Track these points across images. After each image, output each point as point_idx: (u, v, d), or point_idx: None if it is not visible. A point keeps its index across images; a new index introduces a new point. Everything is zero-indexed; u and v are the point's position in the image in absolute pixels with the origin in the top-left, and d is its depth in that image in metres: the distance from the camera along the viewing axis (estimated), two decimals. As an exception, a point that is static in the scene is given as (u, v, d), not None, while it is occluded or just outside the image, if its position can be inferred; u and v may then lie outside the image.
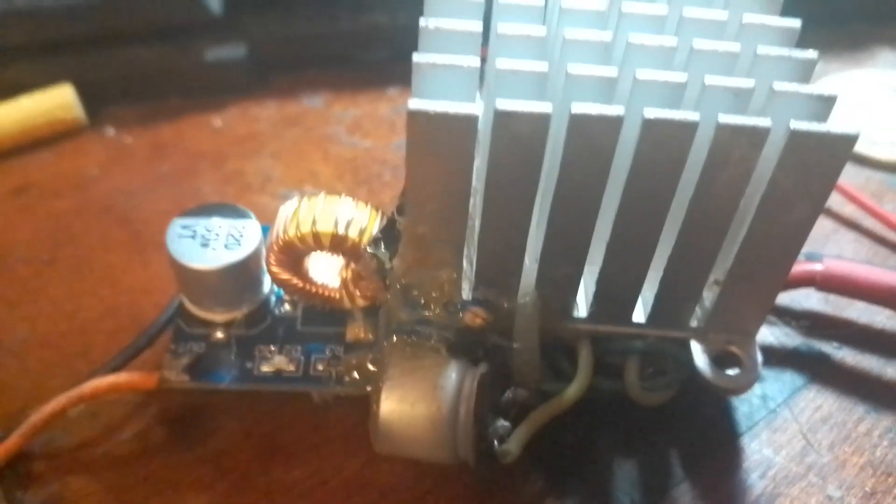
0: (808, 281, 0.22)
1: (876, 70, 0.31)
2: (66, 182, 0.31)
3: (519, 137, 0.16)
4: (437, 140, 0.16)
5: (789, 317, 0.23)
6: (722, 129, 0.16)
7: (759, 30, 0.18)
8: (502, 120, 0.16)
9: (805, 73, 0.18)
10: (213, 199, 0.29)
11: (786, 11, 0.20)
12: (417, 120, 0.16)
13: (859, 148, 0.28)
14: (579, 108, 0.16)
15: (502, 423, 0.18)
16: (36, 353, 0.25)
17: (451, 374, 0.18)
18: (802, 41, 0.19)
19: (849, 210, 0.26)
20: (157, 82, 0.33)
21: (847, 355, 0.22)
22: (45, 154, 0.32)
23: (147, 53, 0.33)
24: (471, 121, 0.16)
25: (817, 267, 0.22)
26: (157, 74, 0.33)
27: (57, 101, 0.33)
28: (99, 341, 0.25)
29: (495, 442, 0.18)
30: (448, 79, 0.17)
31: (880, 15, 0.32)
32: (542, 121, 0.16)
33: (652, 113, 0.16)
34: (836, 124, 0.16)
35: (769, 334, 0.23)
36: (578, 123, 0.16)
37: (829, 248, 0.25)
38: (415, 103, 0.16)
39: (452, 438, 0.18)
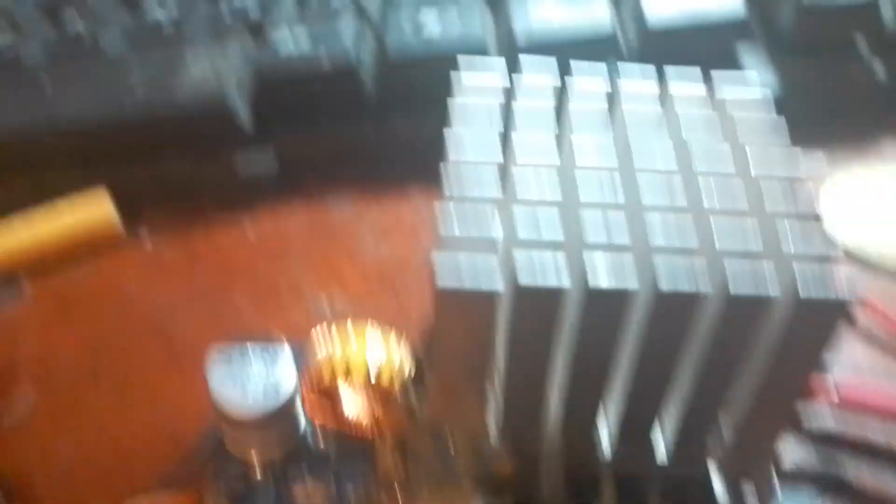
0: (823, 401, 0.22)
1: (883, 167, 0.31)
2: (105, 294, 0.32)
3: (538, 308, 0.17)
4: (463, 311, 0.17)
5: (807, 439, 0.23)
6: (732, 300, 0.17)
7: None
8: (522, 294, 0.17)
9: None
10: (246, 311, 0.31)
11: (787, 109, 0.21)
12: (445, 296, 0.17)
13: (868, 249, 0.28)
14: (595, 282, 0.17)
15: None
16: (82, 475, 0.26)
17: (483, 518, 0.19)
18: (806, 139, 0.20)
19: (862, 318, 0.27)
20: (191, 190, 0.35)
21: (867, 478, 0.23)
22: (83, 263, 0.34)
23: (180, 165, 0.35)
24: (494, 297, 0.17)
25: (833, 387, 0.22)
26: (190, 183, 0.35)
27: (94, 208, 0.34)
28: (141, 466, 0.26)
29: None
30: (470, 250, 0.18)
31: (885, 109, 0.33)
32: (561, 295, 0.17)
33: (667, 285, 0.17)
34: (841, 290, 0.17)
35: (787, 457, 0.23)
36: (595, 297, 0.17)
37: (843, 361, 0.26)
38: (442, 282, 0.17)
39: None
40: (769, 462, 0.21)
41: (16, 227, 0.34)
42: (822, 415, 0.23)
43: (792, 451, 0.23)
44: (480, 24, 0.33)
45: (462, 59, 0.22)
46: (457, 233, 0.18)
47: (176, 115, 0.34)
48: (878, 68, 0.32)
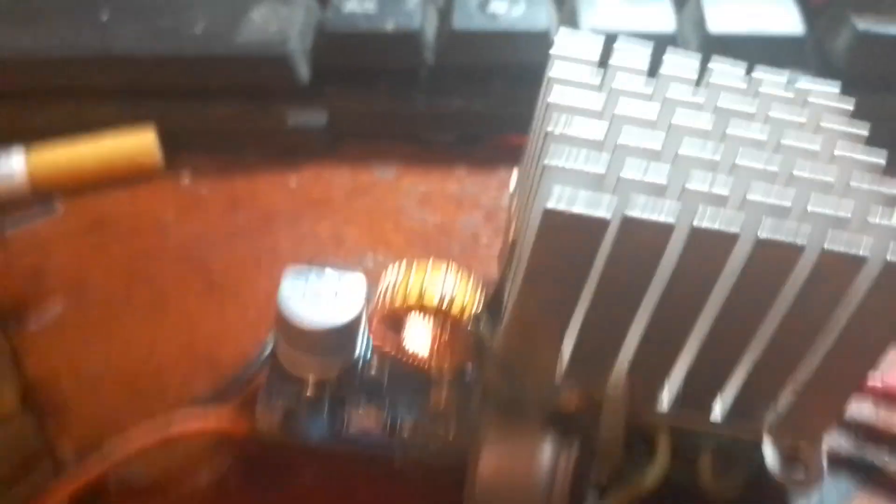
0: (870, 390, 0.23)
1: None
2: (141, 224, 0.32)
3: (641, 242, 0.18)
4: (566, 238, 0.18)
5: (844, 422, 0.24)
6: (825, 255, 0.18)
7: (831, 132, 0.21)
8: (628, 226, 0.18)
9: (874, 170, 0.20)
10: (288, 256, 0.31)
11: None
12: (552, 218, 0.18)
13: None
14: (700, 222, 0.18)
15: (592, 501, 0.20)
16: (109, 388, 0.26)
17: (549, 447, 0.19)
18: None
19: None
20: (237, 137, 0.35)
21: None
22: (120, 194, 0.33)
23: (230, 109, 0.35)
24: (602, 224, 0.18)
25: (876, 382, 0.23)
26: (238, 130, 0.35)
27: (139, 142, 0.34)
28: (174, 383, 0.26)
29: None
30: (577, 181, 0.18)
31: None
32: (666, 230, 0.18)
33: (765, 233, 0.18)
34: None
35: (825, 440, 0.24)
36: (698, 237, 0.18)
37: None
38: (552, 202, 0.17)
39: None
40: (822, 436, 0.21)
41: (57, 148, 0.33)
42: (861, 405, 0.24)
43: (830, 439, 0.24)
44: (546, 7, 0.34)
45: (562, 30, 0.23)
46: (564, 164, 0.18)
47: (233, 59, 0.34)
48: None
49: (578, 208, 0.18)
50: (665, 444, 0.21)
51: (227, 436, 0.23)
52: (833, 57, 0.33)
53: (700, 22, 0.33)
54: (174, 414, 0.23)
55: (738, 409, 0.21)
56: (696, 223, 0.18)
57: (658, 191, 0.18)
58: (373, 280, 0.29)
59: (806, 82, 0.23)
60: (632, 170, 0.18)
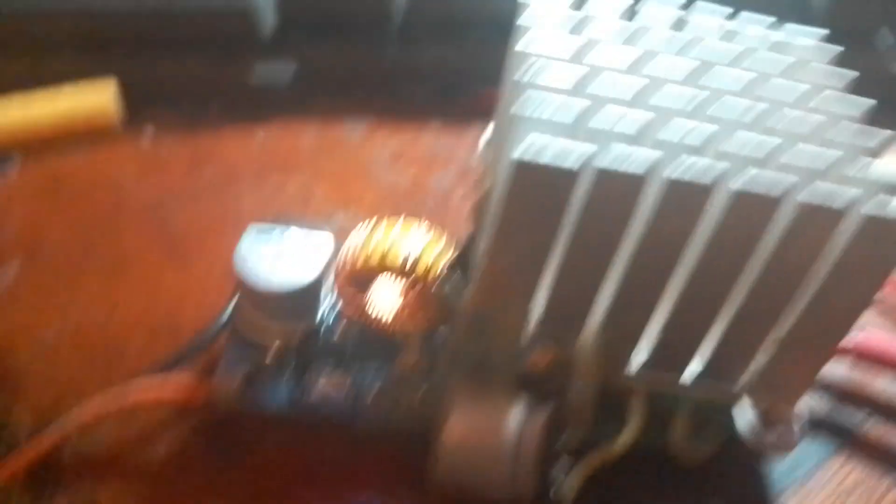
0: (845, 352, 0.23)
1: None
2: (100, 180, 0.31)
3: (614, 194, 0.17)
4: (537, 190, 0.17)
5: (819, 386, 0.24)
6: (802, 208, 0.17)
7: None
8: (598, 178, 0.17)
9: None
10: (253, 214, 0.29)
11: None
12: (521, 170, 0.17)
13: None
14: (673, 173, 0.17)
15: (562, 465, 0.19)
16: (70, 349, 0.25)
17: (517, 410, 0.19)
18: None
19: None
20: (201, 91, 0.33)
21: (875, 426, 0.23)
22: (79, 152, 0.32)
23: (194, 62, 0.33)
24: (572, 175, 0.17)
25: (852, 342, 0.23)
26: (202, 84, 0.33)
27: (98, 95, 0.32)
28: (135, 344, 0.25)
29: (554, 483, 0.19)
30: (547, 131, 0.17)
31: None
32: (639, 182, 0.17)
33: (739, 184, 0.17)
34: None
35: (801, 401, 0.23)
36: (671, 190, 0.17)
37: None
38: (521, 153, 0.17)
39: (513, 474, 0.18)
40: (797, 399, 0.21)
41: (12, 103, 0.32)
42: (837, 366, 0.24)
43: (807, 400, 0.23)
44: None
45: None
46: (533, 114, 0.17)
47: (196, 10, 0.32)
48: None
49: (547, 159, 0.17)
50: (639, 407, 0.20)
51: (186, 405, 0.22)
52: (813, 9, 0.32)
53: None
54: (130, 384, 0.22)
55: (712, 371, 0.20)
56: (668, 175, 0.17)
57: (631, 140, 0.17)
58: (342, 238, 0.29)
59: (790, 28, 0.22)
60: (605, 119, 0.18)
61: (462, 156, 0.32)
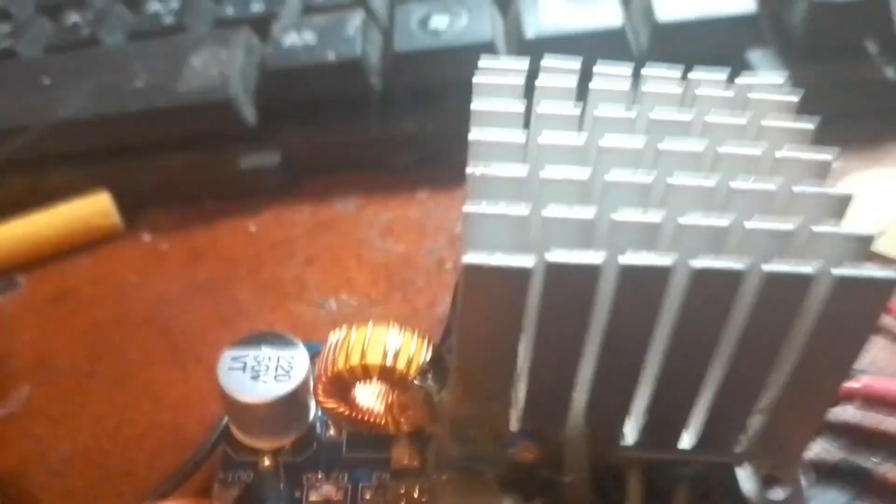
0: (848, 398, 0.22)
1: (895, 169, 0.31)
2: (104, 289, 0.32)
3: (570, 286, 0.17)
4: (491, 289, 0.17)
5: (828, 432, 0.23)
6: (769, 277, 0.17)
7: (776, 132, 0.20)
8: (553, 271, 0.17)
9: (822, 172, 0.19)
10: (250, 308, 0.30)
11: (800, 110, 0.21)
12: (472, 273, 0.17)
13: (884, 250, 0.28)
14: (629, 259, 0.16)
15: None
16: (80, 472, 0.25)
17: (506, 510, 0.18)
18: (819, 142, 0.20)
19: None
20: (193, 188, 0.34)
21: (889, 471, 0.22)
22: (82, 260, 0.33)
23: (182, 161, 0.34)
24: (524, 273, 0.17)
25: (856, 384, 0.22)
26: (193, 181, 0.34)
27: (94, 207, 0.33)
28: (142, 459, 0.26)
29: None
30: (498, 226, 0.17)
31: (893, 107, 0.33)
32: (593, 272, 0.17)
33: (700, 263, 0.16)
34: (878, 269, 0.17)
35: (810, 450, 0.23)
36: (628, 274, 0.17)
37: (862, 357, 0.25)
38: (471, 257, 0.16)
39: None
40: (798, 457, 0.20)
41: (13, 226, 0.33)
42: (843, 408, 0.23)
43: (814, 444, 0.23)
44: (489, 17, 0.33)
45: (483, 59, 0.22)
46: (484, 210, 0.17)
47: (178, 109, 0.33)
48: (889, 70, 0.32)
49: (498, 260, 0.17)
50: (636, 480, 0.20)
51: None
52: (790, 30, 0.32)
53: (648, 12, 0.32)
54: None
55: (707, 437, 0.20)
56: (623, 261, 0.16)
57: (586, 227, 0.17)
58: (335, 324, 0.29)
59: (747, 77, 0.22)
60: (556, 209, 0.17)
61: (451, 221, 0.32)
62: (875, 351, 0.26)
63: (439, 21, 0.33)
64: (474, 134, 0.19)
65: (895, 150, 0.32)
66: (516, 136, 0.19)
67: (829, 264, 0.17)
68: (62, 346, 0.29)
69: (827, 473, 0.22)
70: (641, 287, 0.17)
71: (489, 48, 0.32)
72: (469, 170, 0.19)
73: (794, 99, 0.21)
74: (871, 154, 0.32)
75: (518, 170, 0.18)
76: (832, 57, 0.32)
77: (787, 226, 0.17)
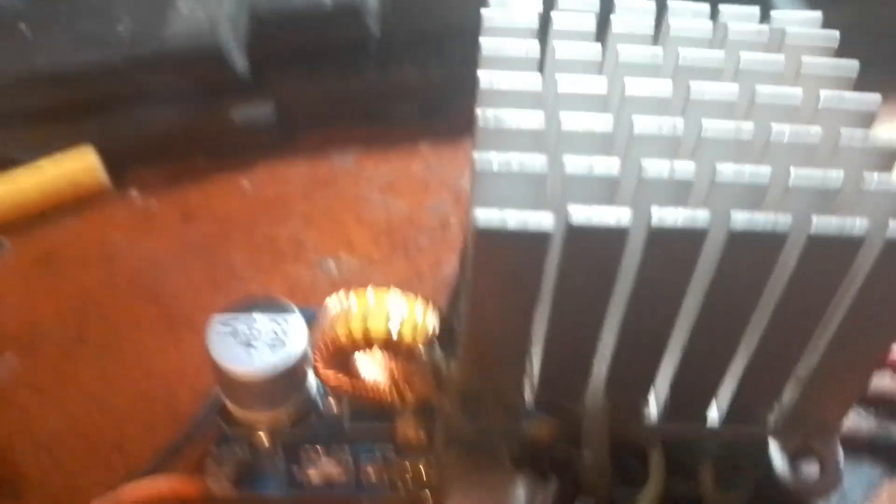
0: (887, 366, 0.21)
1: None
2: (91, 251, 0.30)
3: (593, 249, 0.15)
4: (506, 254, 0.15)
5: (863, 401, 0.22)
6: (813, 240, 0.15)
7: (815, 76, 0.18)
8: (576, 233, 0.15)
9: (866, 121, 0.17)
10: (244, 271, 0.28)
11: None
12: (485, 236, 0.15)
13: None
14: (660, 219, 0.15)
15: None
16: (68, 446, 0.24)
17: (519, 492, 0.17)
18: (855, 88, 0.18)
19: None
20: (183, 143, 0.32)
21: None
22: (68, 220, 0.31)
23: (171, 114, 0.32)
24: (543, 237, 0.15)
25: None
26: (182, 135, 0.32)
27: (79, 164, 0.32)
28: (133, 432, 0.24)
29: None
30: (513, 182, 0.16)
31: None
32: (619, 234, 0.15)
33: (740, 221, 0.15)
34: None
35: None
36: (659, 236, 0.15)
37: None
38: (483, 219, 0.15)
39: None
40: (836, 429, 0.19)
41: (-3, 183, 0.31)
42: (881, 379, 0.21)
43: (851, 419, 0.21)
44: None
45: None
46: (496, 164, 0.16)
47: (163, 57, 0.31)
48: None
49: (513, 224, 0.15)
50: (658, 459, 0.18)
51: (182, 498, 0.21)
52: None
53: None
54: (126, 487, 0.21)
55: (736, 412, 0.18)
56: (654, 223, 0.15)
57: (610, 184, 0.16)
58: (335, 287, 0.27)
59: (781, 16, 0.20)
60: (576, 162, 0.16)
61: (455, 177, 0.30)
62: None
63: (441, -38, 0.31)
64: (484, 78, 0.17)
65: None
66: (532, 80, 0.17)
67: (880, 224, 0.15)
68: (49, 312, 0.28)
69: (860, 446, 0.21)
70: (673, 249, 0.15)
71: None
72: (478, 118, 0.17)
73: (835, 35, 0.19)
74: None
75: (534, 119, 0.17)
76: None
77: (833, 181, 0.16)
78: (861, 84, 0.18)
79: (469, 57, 0.31)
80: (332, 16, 0.31)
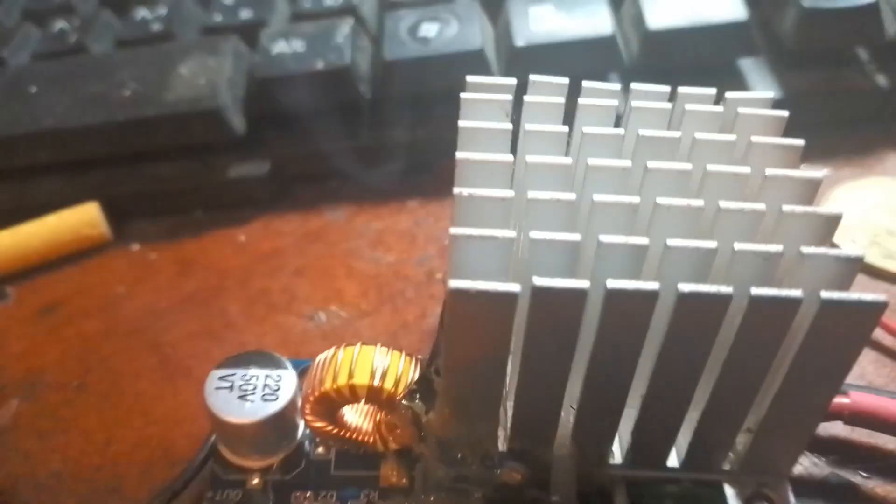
0: (836, 415, 0.22)
1: (886, 178, 0.31)
2: (93, 301, 0.31)
3: (556, 311, 0.17)
4: (477, 315, 0.17)
5: (816, 447, 0.23)
6: (755, 302, 0.16)
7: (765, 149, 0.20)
8: (540, 296, 0.17)
9: (811, 192, 0.19)
10: (239, 321, 0.30)
11: (788, 119, 0.21)
12: (458, 298, 0.16)
13: (873, 261, 0.28)
14: (615, 284, 0.16)
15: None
16: (69, 488, 0.25)
17: (494, 532, 0.18)
18: (810, 149, 0.20)
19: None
20: (181, 198, 0.34)
21: (877, 485, 0.22)
22: (71, 270, 0.33)
23: (171, 170, 0.34)
24: (511, 298, 0.16)
25: (845, 401, 0.22)
26: (181, 190, 0.34)
27: (82, 217, 0.33)
28: (132, 475, 0.25)
29: None
30: (484, 250, 0.17)
31: (887, 118, 0.33)
32: (579, 296, 0.16)
33: (687, 287, 0.16)
34: (865, 293, 0.17)
35: (797, 465, 0.23)
36: (614, 298, 0.16)
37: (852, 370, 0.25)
38: (455, 283, 0.16)
39: None
40: (787, 474, 0.20)
41: (1, 236, 0.33)
42: (832, 423, 0.23)
43: (802, 459, 0.23)
44: (479, 25, 0.33)
45: (470, 78, 0.22)
46: (471, 233, 0.17)
47: (166, 118, 0.33)
48: (880, 77, 0.32)
49: (484, 285, 0.16)
50: (622, 499, 0.20)
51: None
52: (781, 37, 0.32)
53: (639, 19, 0.31)
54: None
55: (693, 458, 0.20)
56: (609, 286, 0.16)
57: (573, 250, 0.17)
58: (325, 338, 0.29)
59: (736, 93, 0.22)
60: (542, 232, 0.17)
61: (441, 231, 0.32)
62: (865, 363, 0.26)
63: (429, 29, 0.33)
64: (461, 154, 0.19)
65: (887, 159, 0.32)
66: (503, 156, 0.19)
67: (817, 288, 0.17)
68: (51, 359, 0.29)
69: (814, 489, 0.22)
70: (628, 311, 0.17)
71: (479, 56, 0.32)
72: (456, 191, 0.18)
73: (784, 115, 0.21)
74: (862, 162, 0.32)
75: (505, 191, 0.18)
76: (824, 64, 0.32)
77: (775, 248, 0.17)
78: (824, 143, 0.19)
79: (455, 118, 0.33)
80: (324, 79, 0.33)
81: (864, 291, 0.16)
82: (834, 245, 0.18)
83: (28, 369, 0.29)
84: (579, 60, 0.32)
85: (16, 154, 0.34)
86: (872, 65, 0.32)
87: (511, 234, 0.17)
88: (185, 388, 0.28)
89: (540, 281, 0.16)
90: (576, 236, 0.17)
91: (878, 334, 0.26)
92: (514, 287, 0.16)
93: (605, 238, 0.17)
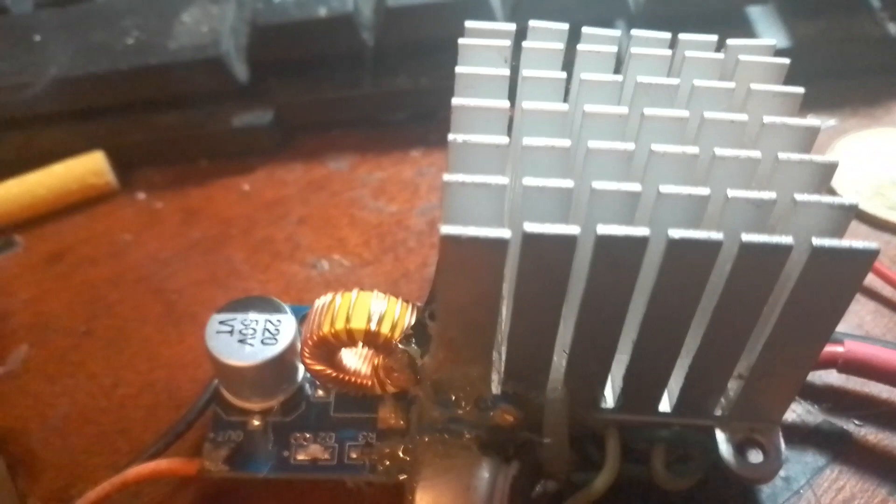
0: (830, 364, 0.22)
1: (893, 129, 0.31)
2: (100, 248, 0.32)
3: (546, 257, 0.17)
4: (469, 260, 0.17)
5: (810, 394, 0.23)
6: (745, 248, 0.17)
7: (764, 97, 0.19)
8: (530, 241, 0.17)
9: (809, 141, 0.19)
10: (243, 269, 0.30)
11: (796, 67, 0.21)
12: (449, 243, 0.17)
13: (876, 212, 0.28)
14: (605, 229, 0.16)
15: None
16: (78, 430, 0.26)
17: (484, 474, 0.19)
18: (817, 98, 0.19)
19: (868, 278, 0.26)
20: (186, 147, 0.34)
21: (869, 433, 0.23)
22: (78, 219, 0.33)
23: (175, 119, 0.34)
24: (501, 244, 0.17)
25: (839, 349, 0.22)
26: (186, 139, 0.34)
27: (89, 166, 0.33)
28: (138, 417, 0.26)
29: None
30: (477, 196, 0.17)
31: (893, 63, 0.32)
32: (570, 242, 0.17)
33: (677, 233, 0.16)
34: (856, 240, 0.17)
35: (790, 412, 0.23)
36: (604, 244, 0.17)
37: (849, 319, 0.25)
38: (447, 228, 0.16)
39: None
40: (778, 420, 0.20)
41: (9, 185, 0.33)
42: (827, 371, 0.23)
43: (795, 406, 0.23)
44: (484, -27, 0.32)
45: (468, 24, 0.21)
46: (463, 180, 0.17)
47: (169, 66, 0.33)
48: (891, 26, 0.31)
49: (475, 231, 0.17)
50: (614, 443, 0.20)
51: (181, 476, 0.23)
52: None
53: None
54: (127, 471, 0.22)
55: (685, 404, 0.20)
56: (600, 231, 0.16)
57: (565, 196, 0.17)
58: (328, 286, 0.29)
59: (738, 40, 0.21)
60: (535, 178, 0.17)
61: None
62: (864, 314, 0.26)
63: (433, -25, 0.32)
64: (457, 100, 0.19)
65: (894, 110, 0.32)
66: (499, 102, 0.19)
67: (809, 235, 0.17)
68: (59, 306, 0.30)
69: (807, 435, 0.23)
70: (618, 256, 0.17)
71: (483, 1, 0.31)
72: (450, 137, 0.18)
73: (785, 62, 0.21)
74: (869, 112, 0.32)
75: (499, 138, 0.18)
76: (833, 12, 0.32)
77: (768, 195, 0.17)
78: (832, 92, 0.19)
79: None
80: (327, 26, 0.32)
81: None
82: (832, 192, 0.18)
83: (37, 315, 0.29)
84: (585, 8, 0.31)
85: (21, 104, 0.34)
86: (885, 13, 0.32)
87: (504, 180, 0.17)
88: (189, 334, 0.28)
89: (530, 227, 0.16)
90: (569, 182, 0.17)
91: (878, 284, 0.26)
92: (505, 233, 0.16)
93: (598, 184, 0.17)
